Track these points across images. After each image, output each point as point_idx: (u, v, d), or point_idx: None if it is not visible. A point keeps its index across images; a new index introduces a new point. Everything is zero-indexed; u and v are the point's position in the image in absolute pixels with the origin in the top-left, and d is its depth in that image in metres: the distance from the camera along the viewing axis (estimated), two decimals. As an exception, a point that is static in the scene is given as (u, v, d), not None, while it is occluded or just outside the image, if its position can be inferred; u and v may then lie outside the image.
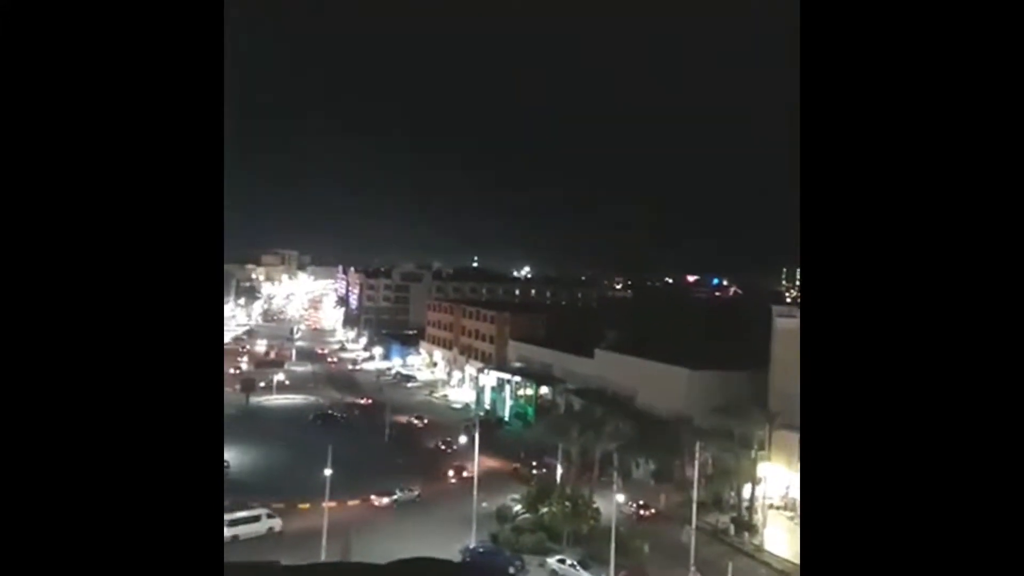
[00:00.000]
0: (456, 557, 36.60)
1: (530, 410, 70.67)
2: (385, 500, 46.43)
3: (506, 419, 72.36)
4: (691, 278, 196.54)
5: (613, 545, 34.98)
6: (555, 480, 46.64)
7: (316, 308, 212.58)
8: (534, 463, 53.24)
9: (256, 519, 40.42)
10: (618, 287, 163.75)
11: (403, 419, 69.64)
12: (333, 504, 38.87)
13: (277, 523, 40.87)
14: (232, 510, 42.40)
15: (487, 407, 76.88)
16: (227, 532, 36.94)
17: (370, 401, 78.66)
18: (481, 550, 38.33)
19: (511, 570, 36.71)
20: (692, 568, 35.68)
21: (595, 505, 41.77)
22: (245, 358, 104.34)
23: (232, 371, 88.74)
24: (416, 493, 47.81)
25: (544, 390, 70.77)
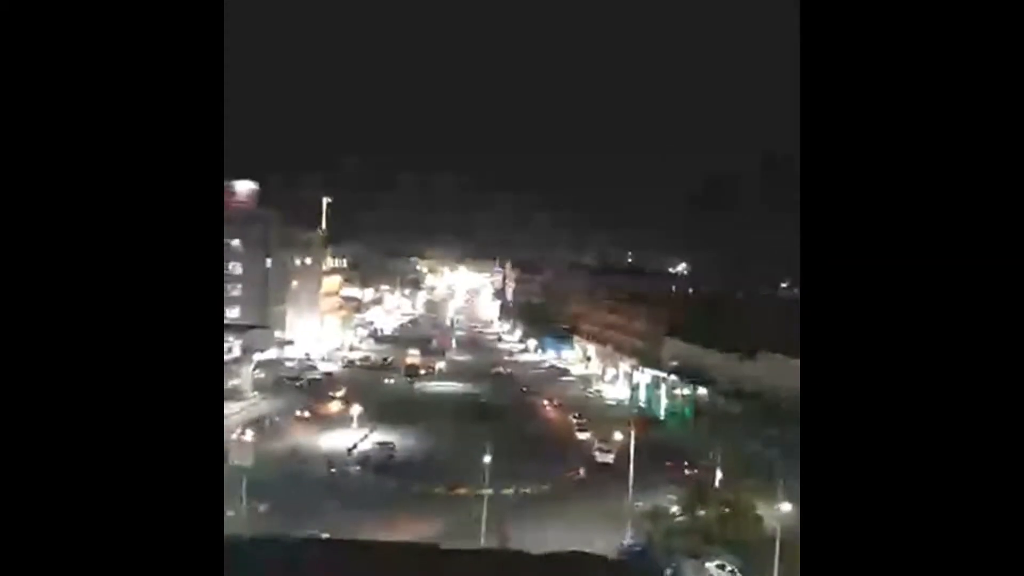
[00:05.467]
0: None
1: (687, 410, 69.06)
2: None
3: (661, 418, 71.21)
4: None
5: (777, 553, 33.57)
6: (713, 482, 45.31)
7: (474, 300, 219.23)
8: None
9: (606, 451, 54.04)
10: (784, 285, 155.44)
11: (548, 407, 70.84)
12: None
13: (610, 457, 52.78)
14: (404, 490, 45.20)
15: (642, 404, 76.01)
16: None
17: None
18: (637, 548, 38.01)
19: (668, 571, 36.13)
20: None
21: (757, 511, 40.08)
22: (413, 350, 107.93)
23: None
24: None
25: (702, 391, 68.85)
